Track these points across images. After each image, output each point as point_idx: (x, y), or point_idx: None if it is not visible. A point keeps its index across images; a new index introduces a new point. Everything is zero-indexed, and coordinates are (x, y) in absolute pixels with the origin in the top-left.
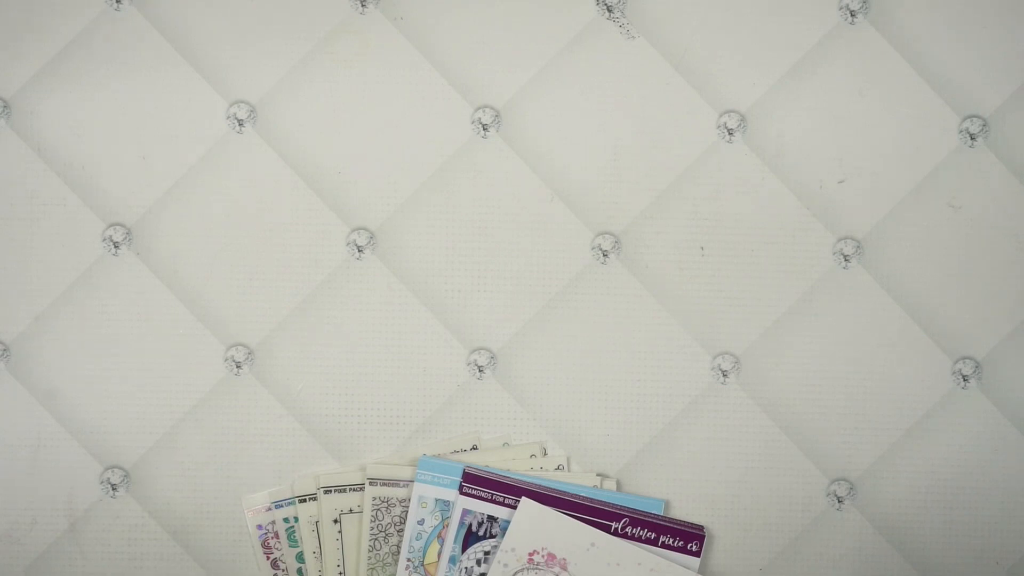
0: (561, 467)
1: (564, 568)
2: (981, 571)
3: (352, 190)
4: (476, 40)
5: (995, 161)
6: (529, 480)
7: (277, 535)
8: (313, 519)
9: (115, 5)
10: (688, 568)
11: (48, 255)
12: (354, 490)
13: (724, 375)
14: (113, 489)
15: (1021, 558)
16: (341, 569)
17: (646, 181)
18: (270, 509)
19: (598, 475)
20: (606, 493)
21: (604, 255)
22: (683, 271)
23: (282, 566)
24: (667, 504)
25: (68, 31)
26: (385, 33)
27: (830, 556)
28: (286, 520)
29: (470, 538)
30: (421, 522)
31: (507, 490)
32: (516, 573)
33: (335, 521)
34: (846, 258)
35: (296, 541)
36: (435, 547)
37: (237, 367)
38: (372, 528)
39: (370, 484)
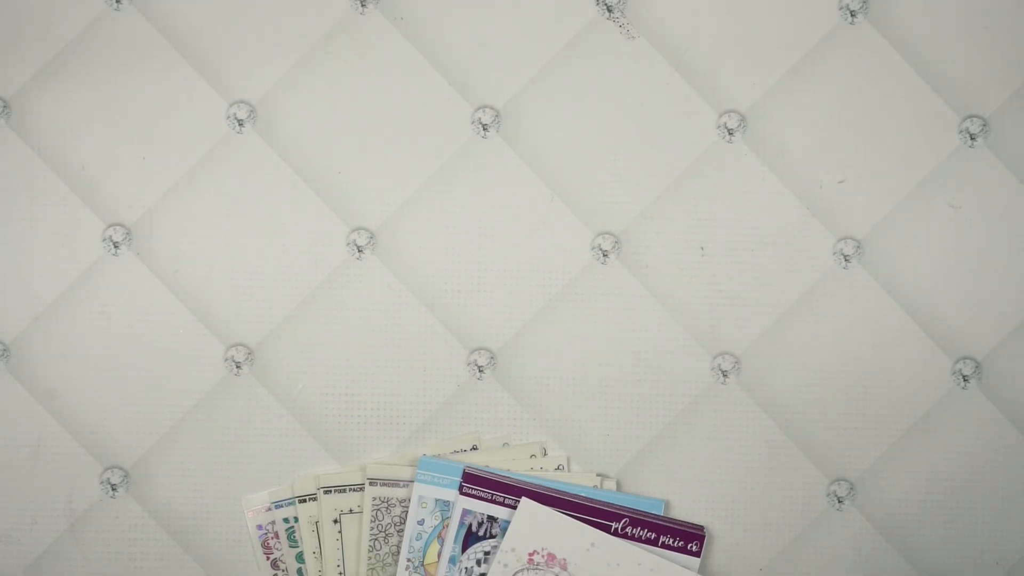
0: (561, 467)
1: (564, 568)
2: (981, 571)
3: (352, 190)
4: (476, 40)
5: (995, 161)
6: (529, 480)
7: (277, 535)
8: (313, 519)
9: (115, 5)
10: (688, 568)
11: (48, 255)
12: (354, 490)
13: (724, 375)
14: (113, 489)
15: (1021, 558)
16: (341, 569)
17: (646, 181)
18: (270, 509)
19: (598, 475)
20: (606, 493)
21: (604, 255)
22: (683, 271)
23: (282, 566)
24: (667, 504)
25: (68, 31)
26: (385, 33)
27: (830, 556)
28: (286, 520)
29: (470, 538)
30: (421, 522)
31: (507, 490)
32: (516, 573)
33: (335, 521)
34: (846, 258)
35: (296, 541)
36: (435, 547)
37: (237, 367)
38: (372, 528)
39: (370, 484)
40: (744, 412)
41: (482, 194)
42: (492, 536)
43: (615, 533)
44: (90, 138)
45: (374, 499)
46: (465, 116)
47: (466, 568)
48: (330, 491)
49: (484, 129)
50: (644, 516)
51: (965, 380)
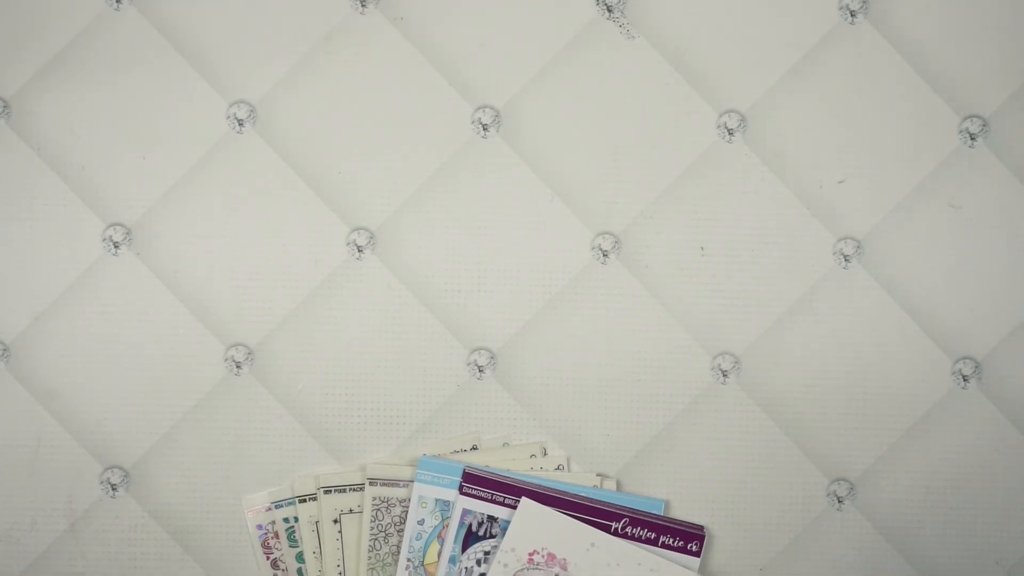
0: (561, 467)
1: (564, 568)
2: (981, 571)
3: (352, 190)
4: (476, 40)
5: (995, 161)
6: (529, 480)
7: (277, 535)
8: (313, 519)
9: (115, 5)
10: (688, 568)
11: (48, 255)
12: (354, 490)
13: (724, 375)
14: (113, 489)
15: (1021, 558)
16: (341, 569)
17: (646, 181)
18: (270, 509)
19: (598, 475)
20: (606, 493)
21: (604, 255)
22: (683, 271)
23: (282, 566)
24: (667, 504)
25: (68, 31)
26: (385, 33)
27: (830, 556)
28: (286, 520)
29: (470, 538)
30: (421, 522)
31: (507, 490)
32: (516, 573)
33: (335, 521)
34: (846, 258)
35: (296, 541)
36: (435, 547)
37: (237, 367)
38: (372, 528)
39: (370, 484)
40: (744, 412)
41: (482, 194)
42: (492, 536)
43: (615, 533)
44: (90, 138)
45: (374, 499)
46: (465, 116)
47: (466, 568)
48: (330, 491)
49: (484, 129)
50: (644, 516)
51: (965, 380)
